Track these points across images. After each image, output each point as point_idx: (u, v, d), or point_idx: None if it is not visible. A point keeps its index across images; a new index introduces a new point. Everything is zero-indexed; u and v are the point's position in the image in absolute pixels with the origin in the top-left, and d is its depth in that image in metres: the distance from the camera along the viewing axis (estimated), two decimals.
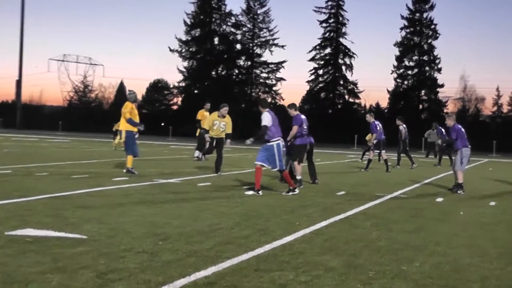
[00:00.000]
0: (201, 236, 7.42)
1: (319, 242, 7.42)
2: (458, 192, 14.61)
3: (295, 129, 14.78)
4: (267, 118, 12.71)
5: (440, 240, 7.87)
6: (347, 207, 10.91)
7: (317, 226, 8.68)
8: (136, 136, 16.52)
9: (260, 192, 12.42)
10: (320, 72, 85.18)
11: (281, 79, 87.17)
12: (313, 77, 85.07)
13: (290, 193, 12.61)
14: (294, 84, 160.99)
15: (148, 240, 7.05)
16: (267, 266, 6.01)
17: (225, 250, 6.65)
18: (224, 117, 17.34)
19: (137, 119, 16.38)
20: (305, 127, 15.09)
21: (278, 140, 12.69)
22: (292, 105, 15.48)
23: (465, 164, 15.07)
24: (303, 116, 15.18)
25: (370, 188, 14.89)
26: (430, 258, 6.76)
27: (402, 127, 24.61)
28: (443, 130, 28.05)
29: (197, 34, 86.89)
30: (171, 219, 8.70)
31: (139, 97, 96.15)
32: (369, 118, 22.11)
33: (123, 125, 16.30)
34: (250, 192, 12.45)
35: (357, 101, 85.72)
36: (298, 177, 14.67)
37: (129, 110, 16.30)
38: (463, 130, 15.09)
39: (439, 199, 12.99)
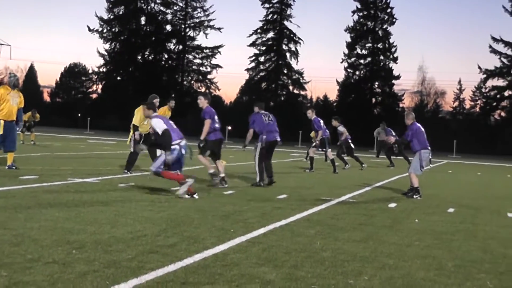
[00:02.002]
0: (121, 244, 7.37)
1: (256, 251, 7.45)
2: (414, 196, 14.92)
3: (208, 123, 14.86)
4: (159, 124, 12.68)
5: (391, 251, 7.99)
6: (288, 213, 10.97)
7: (254, 233, 8.71)
8: (19, 129, 16.69)
9: (195, 195, 12.36)
10: (262, 59, 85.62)
11: (217, 66, 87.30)
12: (253, 64, 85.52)
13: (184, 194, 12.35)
14: (231, 72, 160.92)
15: (59, 248, 6.96)
16: (197, 279, 6.01)
17: (149, 260, 6.62)
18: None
19: (10, 109, 16.24)
20: (217, 120, 15.17)
21: (180, 141, 12.82)
22: (205, 94, 15.68)
23: (424, 167, 15.36)
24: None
25: (314, 191, 15.03)
26: (380, 271, 6.85)
27: (342, 128, 24.94)
28: (392, 131, 28.78)
29: (120, 12, 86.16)
30: (87, 224, 8.61)
31: (52, 83, 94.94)
32: (311, 114, 22.39)
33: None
34: (183, 194, 12.37)
35: (302, 92, 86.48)
36: (211, 171, 15.30)
37: None
38: (422, 129, 15.34)
39: (392, 205, 13.20)
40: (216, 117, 15.19)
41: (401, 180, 19.80)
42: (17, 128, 17.01)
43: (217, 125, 15.20)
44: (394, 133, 28.62)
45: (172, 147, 12.60)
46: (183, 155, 12.88)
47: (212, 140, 15.13)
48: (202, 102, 15.28)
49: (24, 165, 17.05)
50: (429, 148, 15.32)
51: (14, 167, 16.07)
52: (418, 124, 15.43)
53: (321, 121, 22.30)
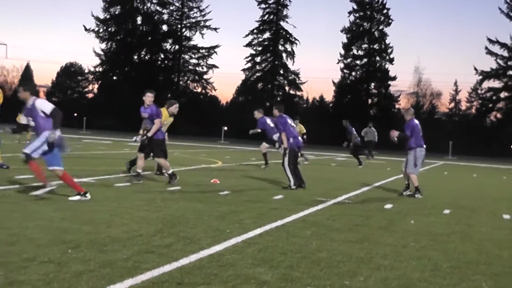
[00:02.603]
0: (116, 244, 7.36)
1: (252, 252, 7.45)
2: (416, 195, 15.17)
3: (159, 122, 14.86)
4: (46, 104, 11.80)
5: (387, 252, 7.99)
6: (284, 213, 10.97)
7: (250, 234, 8.71)
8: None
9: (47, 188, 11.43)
10: (258, 59, 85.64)
11: (213, 66, 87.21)
12: (249, 65, 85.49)
13: (78, 197, 11.21)
14: (227, 72, 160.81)
15: (55, 248, 6.95)
16: (192, 279, 6.01)
17: (145, 261, 6.62)
18: (174, 115, 17.16)
19: None
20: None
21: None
22: (152, 91, 15.41)
23: (419, 166, 15.42)
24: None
25: (310, 192, 15.01)
26: (376, 272, 6.85)
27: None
28: (353, 128, 29.14)
29: (116, 12, 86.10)
30: (83, 224, 8.60)
31: (48, 82, 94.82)
32: (257, 114, 22.74)
33: None
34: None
35: (298, 93, 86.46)
36: (170, 172, 14.99)
37: None
38: (419, 127, 15.43)
39: (388, 206, 13.20)
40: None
41: (397, 181, 19.79)
42: None
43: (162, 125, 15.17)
44: (354, 131, 29.16)
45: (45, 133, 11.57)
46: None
47: (158, 139, 15.05)
48: (150, 100, 15.11)
49: (20, 165, 17.00)
50: (425, 146, 15.39)
51: (4, 166, 15.97)
52: (416, 121, 15.51)
53: (267, 119, 22.97)
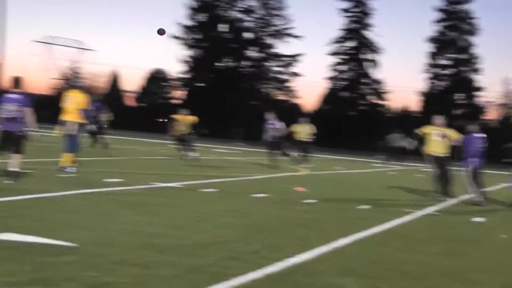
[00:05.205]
0: (202, 250, 7.39)
1: (338, 262, 7.38)
2: None
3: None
4: None
5: (478, 267, 7.81)
6: (370, 223, 10.83)
7: (335, 243, 8.61)
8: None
9: None
10: (341, 68, 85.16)
11: (296, 74, 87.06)
12: (332, 73, 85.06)
13: None
14: (310, 81, 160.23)
15: (142, 251, 7.02)
16: (279, 287, 5.98)
17: (230, 267, 6.62)
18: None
19: None
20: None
21: None
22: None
23: None
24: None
25: (397, 203, 14.84)
26: (466, 287, 6.70)
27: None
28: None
29: (202, 20, 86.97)
30: (168, 228, 8.68)
31: (135, 88, 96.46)
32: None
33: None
34: None
35: (382, 102, 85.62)
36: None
37: None
38: None
39: (478, 219, 12.88)
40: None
41: (489, 193, 19.42)
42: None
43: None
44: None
45: None
46: None
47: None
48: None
49: (107, 168, 17.30)
50: None
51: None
52: None
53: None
